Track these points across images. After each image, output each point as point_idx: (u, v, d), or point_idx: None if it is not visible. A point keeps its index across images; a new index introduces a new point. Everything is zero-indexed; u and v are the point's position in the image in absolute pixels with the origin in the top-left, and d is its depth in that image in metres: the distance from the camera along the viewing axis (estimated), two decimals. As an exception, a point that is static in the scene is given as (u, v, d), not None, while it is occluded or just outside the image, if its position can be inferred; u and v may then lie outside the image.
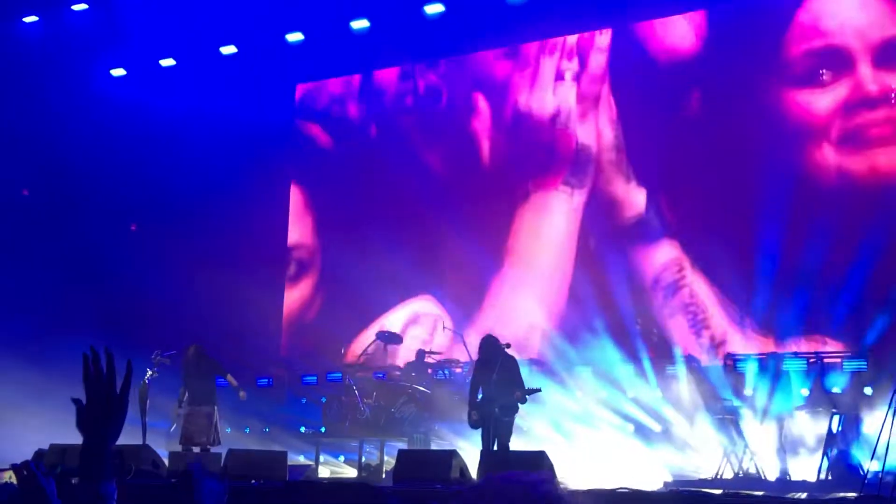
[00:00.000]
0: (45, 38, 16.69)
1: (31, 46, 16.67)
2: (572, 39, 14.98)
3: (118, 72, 17.43)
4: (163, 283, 15.42)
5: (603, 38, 14.76)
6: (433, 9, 15.10)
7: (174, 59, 16.96)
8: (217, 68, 16.80)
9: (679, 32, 14.18)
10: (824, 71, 12.89)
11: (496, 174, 15.21)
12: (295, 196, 17.23)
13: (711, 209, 13.27)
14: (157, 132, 16.91)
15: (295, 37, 16.14)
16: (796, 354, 11.73)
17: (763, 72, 13.28)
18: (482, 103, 15.64)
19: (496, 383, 9.99)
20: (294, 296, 16.82)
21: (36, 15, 16.70)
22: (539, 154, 14.88)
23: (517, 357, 10.55)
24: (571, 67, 14.92)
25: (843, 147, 12.64)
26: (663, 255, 13.57)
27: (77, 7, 16.29)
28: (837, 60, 12.85)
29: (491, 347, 10.22)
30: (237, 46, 16.52)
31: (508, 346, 10.27)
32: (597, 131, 14.58)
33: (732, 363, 11.94)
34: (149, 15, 15.95)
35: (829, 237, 11.92)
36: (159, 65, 17.05)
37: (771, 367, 11.50)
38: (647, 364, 12.79)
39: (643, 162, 13.95)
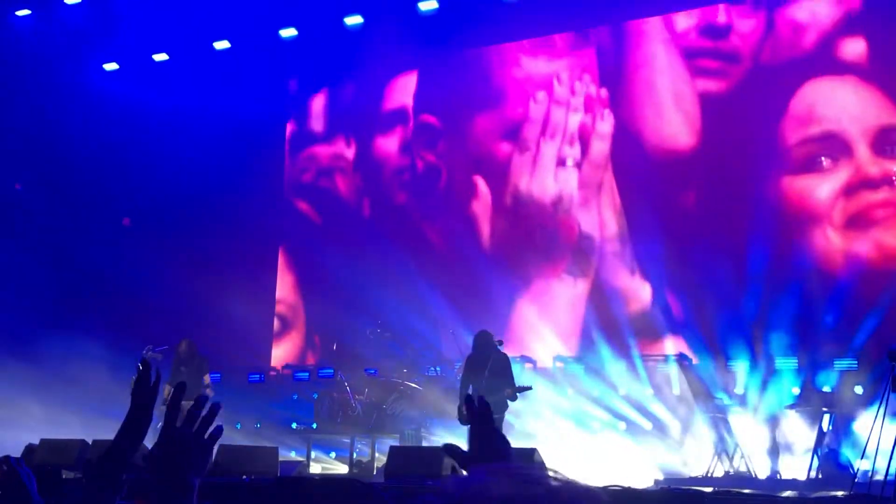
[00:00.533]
0: (38, 32, 16.63)
1: (23, 40, 16.61)
2: (574, 123, 14.71)
3: (111, 66, 17.39)
4: (154, 279, 15.40)
5: (605, 124, 14.54)
6: (427, 5, 15.11)
7: (167, 53, 16.93)
8: (210, 63, 16.76)
9: (675, 129, 14.00)
10: (824, 158, 12.78)
11: (496, 258, 14.70)
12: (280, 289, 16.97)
13: (719, 303, 12.61)
14: (150, 127, 16.88)
15: (289, 32, 16.13)
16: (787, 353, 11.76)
17: (762, 160, 13.10)
18: (482, 185, 15.33)
19: (487, 380, 9.99)
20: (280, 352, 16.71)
21: (28, 9, 16.64)
22: (540, 240, 14.54)
23: (509, 355, 10.55)
24: (573, 153, 14.69)
25: (847, 230, 12.48)
26: (669, 352, 13.09)
27: (70, 1, 16.23)
28: (835, 146, 12.72)
29: (484, 344, 10.22)
30: (230, 42, 16.50)
31: (501, 342, 10.28)
32: (600, 220, 14.30)
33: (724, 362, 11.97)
34: (142, 9, 15.90)
35: (841, 318, 11.84)
36: (152, 59, 17.02)
37: (762, 366, 11.53)
38: (638, 362, 12.81)
39: (647, 254, 13.54)
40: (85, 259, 16.01)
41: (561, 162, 14.78)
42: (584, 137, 14.69)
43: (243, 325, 15.61)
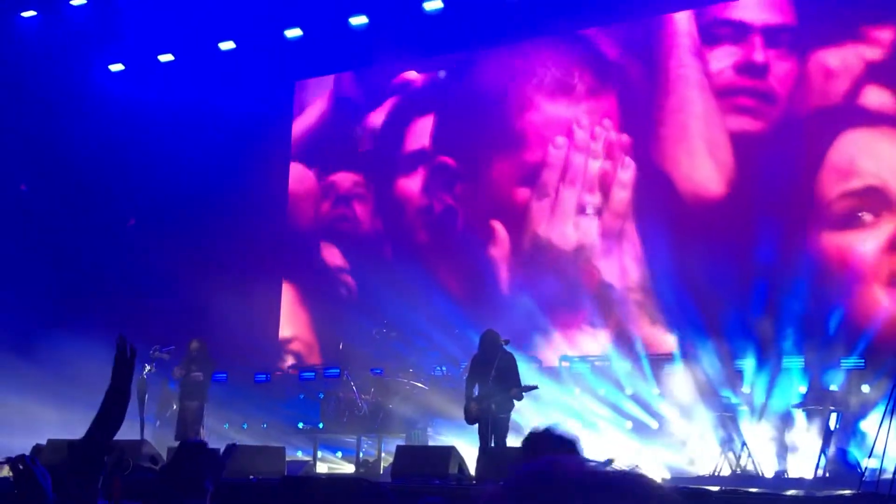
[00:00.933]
0: (43, 33, 16.66)
1: (28, 41, 16.64)
2: (594, 169, 14.39)
3: (116, 67, 17.41)
4: (160, 279, 15.43)
5: (626, 172, 14.17)
6: (432, 5, 15.11)
7: (172, 54, 16.94)
8: (215, 64, 16.77)
9: (705, 174, 13.63)
10: (864, 212, 12.47)
11: (514, 304, 13.96)
12: (286, 291, 16.79)
13: (725, 300, 12.34)
14: (155, 128, 16.90)
15: (293, 33, 16.13)
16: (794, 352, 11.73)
17: (799, 214, 12.71)
18: (500, 230, 15.02)
19: (493, 379, 9.98)
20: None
21: (34, 10, 16.67)
22: (560, 289, 13.97)
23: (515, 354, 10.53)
24: (593, 201, 14.37)
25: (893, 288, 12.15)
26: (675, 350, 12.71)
27: (75, 2, 16.26)
28: (877, 200, 12.42)
29: (490, 343, 10.21)
30: (236, 42, 16.51)
31: (507, 342, 10.26)
32: (620, 268, 13.97)
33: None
34: (147, 10, 15.92)
35: (849, 316, 11.71)
36: (157, 60, 17.03)
37: (769, 365, 11.50)
38: (644, 361, 12.78)
39: (672, 305, 12.91)
40: (89, 259, 16.06)
41: (581, 209, 14.44)
42: (605, 185, 14.31)
43: (249, 325, 15.63)
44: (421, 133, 16.08)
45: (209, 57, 16.70)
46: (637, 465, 1.23)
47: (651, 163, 14.09)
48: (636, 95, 14.39)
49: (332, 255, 16.54)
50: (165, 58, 16.97)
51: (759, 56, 13.58)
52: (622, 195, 14.20)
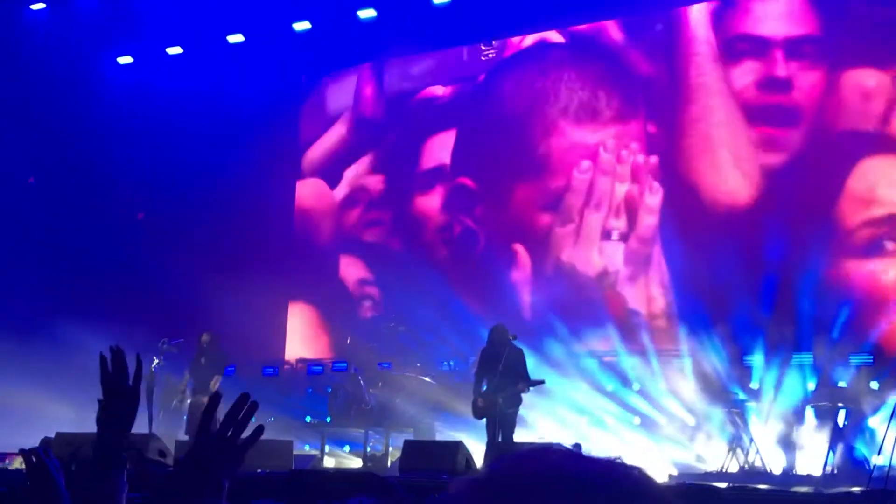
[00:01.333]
0: (52, 26, 16.67)
1: (37, 34, 16.65)
2: (620, 194, 14.13)
3: (125, 60, 17.42)
4: (169, 272, 15.43)
5: (653, 197, 13.92)
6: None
7: (181, 47, 16.94)
8: (224, 57, 16.75)
9: (732, 184, 13.46)
10: (887, 241, 12.30)
11: (539, 330, 13.37)
12: (304, 313, 16.67)
13: (735, 296, 12.22)
14: (164, 120, 16.89)
15: (302, 26, 16.12)
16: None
17: (821, 243, 12.31)
18: (522, 254, 14.73)
19: (501, 374, 9.98)
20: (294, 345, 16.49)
21: (42, 2, 16.68)
22: (585, 315, 13.64)
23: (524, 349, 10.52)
24: (619, 226, 14.12)
25: None
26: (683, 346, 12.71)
27: (84, -6, 16.28)
28: None
29: (498, 338, 10.21)
30: (244, 35, 16.49)
31: (515, 337, 10.25)
32: (647, 296, 13.75)
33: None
34: (156, 2, 15.92)
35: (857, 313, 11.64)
36: (166, 53, 17.04)
37: (777, 361, 11.48)
38: (653, 357, 12.76)
39: (697, 331, 12.52)
40: (97, 252, 16.06)
41: (606, 235, 14.19)
42: (632, 209, 14.07)
43: (257, 319, 15.64)
44: (440, 149, 15.88)
45: (218, 49, 16.69)
46: (640, 467, 1.16)
47: (679, 180, 13.81)
48: (661, 112, 14.18)
49: (345, 261, 16.53)
50: (174, 50, 16.98)
51: (781, 70, 13.35)
52: (649, 220, 13.91)
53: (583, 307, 13.64)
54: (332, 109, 17.12)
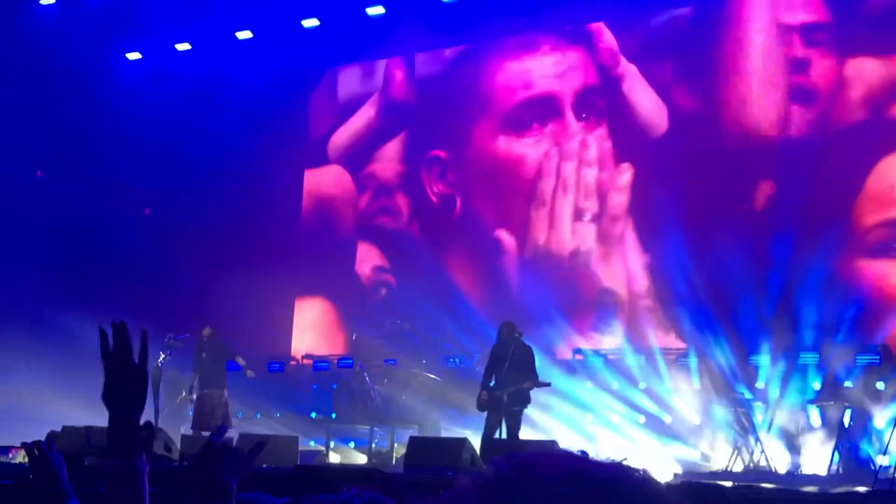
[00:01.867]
0: (61, 21, 16.69)
1: (46, 29, 16.67)
2: (590, 177, 14.41)
3: (134, 55, 17.45)
4: (177, 267, 15.47)
5: (624, 177, 14.18)
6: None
7: (189, 43, 16.96)
8: (233, 53, 16.77)
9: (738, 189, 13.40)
10: None
11: (528, 310, 13.19)
12: (322, 307, 16.66)
13: (740, 295, 12.26)
14: (172, 117, 16.91)
15: (311, 22, 16.12)
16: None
17: (831, 242, 12.23)
18: (507, 239, 14.99)
19: (507, 370, 9.99)
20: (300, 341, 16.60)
21: (52, -3, 16.72)
22: (563, 296, 13.85)
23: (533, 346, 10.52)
24: (590, 207, 14.39)
25: None
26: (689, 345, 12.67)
27: (93, -10, 16.30)
28: None
29: (506, 334, 10.23)
30: (253, 31, 16.50)
31: (521, 334, 10.25)
32: (627, 275, 13.93)
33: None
34: (165, -1, 15.96)
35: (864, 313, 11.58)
36: (175, 49, 17.06)
37: (783, 361, 11.46)
38: (658, 355, 12.74)
39: (681, 312, 12.80)
40: (105, 247, 16.10)
41: (578, 216, 14.48)
42: (603, 191, 14.34)
43: (263, 315, 15.67)
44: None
45: (227, 45, 16.70)
46: (646, 470, 1.17)
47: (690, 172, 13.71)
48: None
49: (361, 249, 16.55)
50: (183, 46, 17.00)
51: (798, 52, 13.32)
52: (619, 198, 14.15)
53: (562, 290, 13.92)
54: (341, 101, 17.14)
